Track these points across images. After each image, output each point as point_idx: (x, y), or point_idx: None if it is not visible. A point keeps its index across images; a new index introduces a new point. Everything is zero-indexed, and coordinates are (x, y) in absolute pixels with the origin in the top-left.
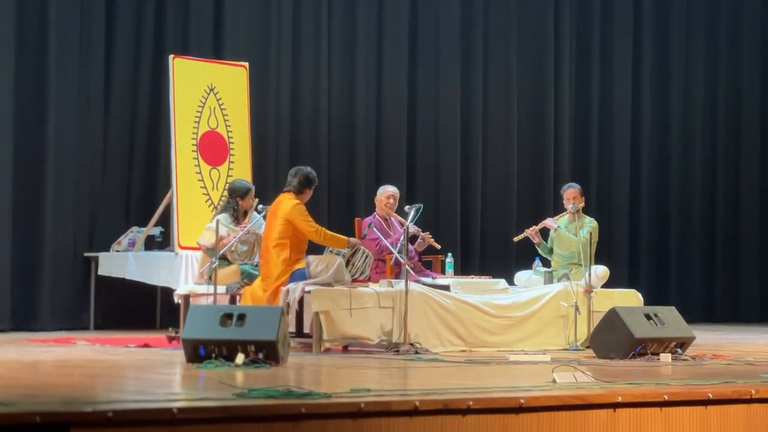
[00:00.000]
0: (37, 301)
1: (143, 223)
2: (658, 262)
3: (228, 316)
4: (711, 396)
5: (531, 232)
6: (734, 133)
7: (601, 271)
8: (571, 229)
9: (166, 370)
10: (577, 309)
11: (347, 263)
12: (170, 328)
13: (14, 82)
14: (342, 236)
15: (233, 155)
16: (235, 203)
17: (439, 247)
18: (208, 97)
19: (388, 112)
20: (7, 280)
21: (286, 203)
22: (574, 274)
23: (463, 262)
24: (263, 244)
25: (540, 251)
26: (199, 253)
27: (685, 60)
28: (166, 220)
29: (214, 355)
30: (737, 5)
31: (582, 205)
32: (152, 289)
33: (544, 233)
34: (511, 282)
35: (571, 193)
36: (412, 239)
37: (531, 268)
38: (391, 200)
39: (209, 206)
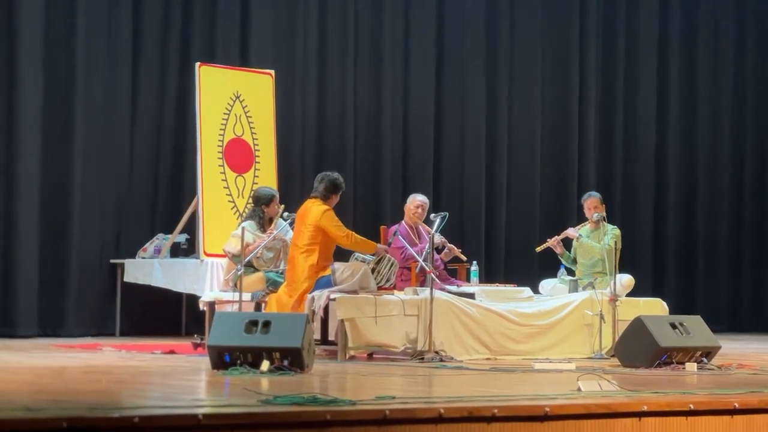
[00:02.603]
0: (63, 308)
1: (169, 230)
2: (684, 271)
3: (253, 323)
4: (737, 405)
5: (553, 243)
6: (762, 140)
7: (626, 280)
8: (593, 237)
9: (191, 377)
10: (602, 317)
11: (373, 271)
12: (195, 335)
13: (42, 90)
14: (371, 241)
15: (259, 162)
16: (260, 211)
17: (465, 258)
18: (234, 104)
19: (414, 120)
20: (34, 286)
21: (315, 209)
22: (599, 282)
23: (488, 270)
24: (291, 249)
25: (564, 262)
26: (224, 261)
27: (711, 67)
28: (191, 228)
29: (239, 361)
30: (765, 9)
31: (604, 213)
32: (178, 296)
33: (567, 243)
34: (535, 290)
35: (592, 202)
36: (438, 249)
37: (555, 277)
38: (420, 210)
39: (234, 213)
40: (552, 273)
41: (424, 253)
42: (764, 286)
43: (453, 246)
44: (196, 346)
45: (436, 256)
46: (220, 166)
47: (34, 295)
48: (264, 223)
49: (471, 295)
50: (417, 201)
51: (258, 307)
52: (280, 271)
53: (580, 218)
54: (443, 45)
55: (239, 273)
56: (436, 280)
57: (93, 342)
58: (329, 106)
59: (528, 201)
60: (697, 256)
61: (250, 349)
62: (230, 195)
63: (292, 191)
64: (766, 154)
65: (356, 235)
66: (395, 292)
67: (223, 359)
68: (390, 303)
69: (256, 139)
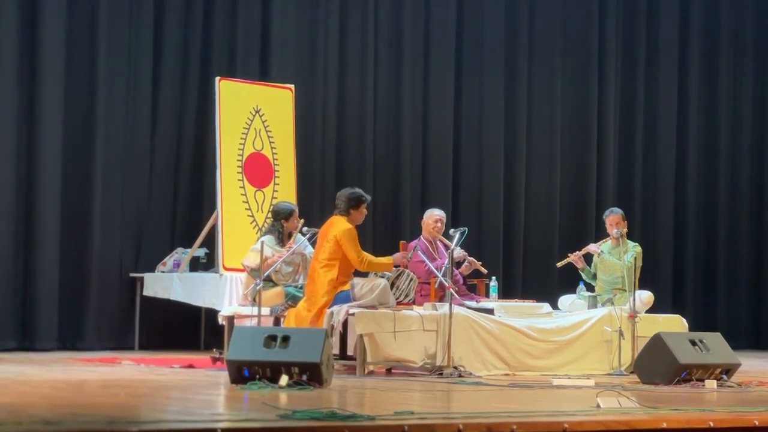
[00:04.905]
0: (83, 321)
1: (188, 245)
2: (704, 288)
3: (272, 338)
4: (757, 423)
5: (574, 258)
6: None
7: (645, 296)
8: (614, 254)
9: (210, 391)
10: (621, 334)
11: (392, 286)
12: (214, 349)
13: (63, 104)
14: (385, 259)
15: (278, 177)
16: (279, 225)
17: (485, 271)
18: (253, 119)
19: (433, 135)
20: (54, 299)
21: (339, 225)
22: (618, 299)
23: (506, 286)
24: (311, 264)
25: (584, 276)
26: (243, 275)
27: (732, 79)
28: (211, 242)
29: (258, 376)
30: None
31: (626, 230)
32: (197, 310)
33: (588, 259)
34: (554, 306)
35: (614, 218)
36: (458, 263)
37: (574, 293)
38: (439, 224)
39: (254, 228)
40: (571, 289)
41: (443, 268)
42: None
43: (473, 259)
44: (214, 360)
45: (456, 270)
46: (239, 180)
47: (54, 309)
48: (283, 238)
49: (490, 311)
50: (435, 215)
51: (277, 322)
52: (299, 286)
53: (599, 235)
54: (462, 62)
55: (258, 287)
56: (455, 295)
57: (112, 356)
58: (349, 121)
59: (546, 217)
60: (718, 273)
61: (269, 364)
62: (249, 209)
63: (311, 206)
64: None
65: (371, 258)
66: (414, 307)
67: (241, 374)
68: (409, 318)
69: (276, 153)
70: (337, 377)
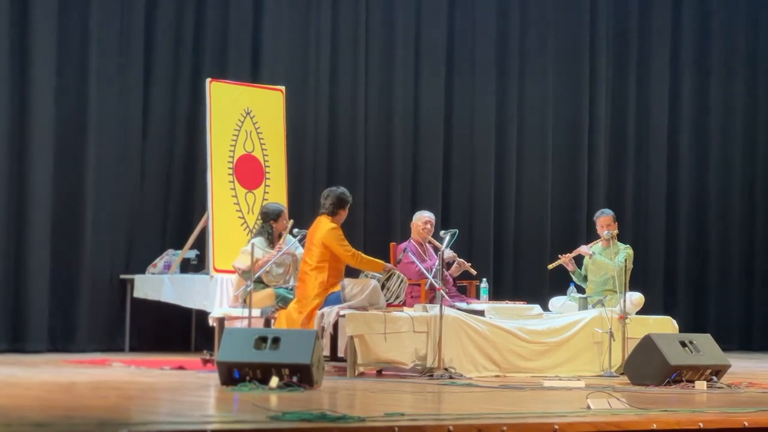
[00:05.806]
0: (73, 323)
1: (179, 246)
2: (695, 289)
3: (263, 339)
4: (746, 424)
5: (565, 260)
6: None
7: (636, 298)
8: (605, 255)
9: (200, 393)
10: (611, 335)
11: (382, 287)
12: (205, 351)
13: (54, 105)
14: (378, 260)
15: (269, 179)
16: (269, 227)
17: (475, 273)
18: (244, 120)
19: (424, 137)
20: (44, 301)
21: (323, 227)
22: (609, 300)
23: (496, 288)
24: (301, 266)
25: (574, 278)
26: (234, 277)
27: (723, 83)
28: (201, 243)
29: (248, 378)
30: None
31: (616, 231)
32: (187, 311)
33: (578, 261)
34: (545, 308)
35: (604, 220)
36: (448, 264)
37: (565, 294)
38: (428, 226)
39: (244, 230)
40: (561, 290)
41: (434, 269)
42: None
43: (463, 260)
44: (205, 362)
45: (446, 272)
46: (230, 182)
47: (45, 311)
48: (273, 239)
49: (481, 312)
50: (425, 217)
51: (267, 323)
52: (290, 287)
53: (590, 237)
54: (453, 64)
55: (249, 289)
56: (446, 297)
57: (102, 357)
58: (340, 122)
59: (537, 219)
60: (708, 275)
61: (260, 365)
62: (240, 211)
63: (302, 207)
64: None
65: (362, 254)
66: (405, 308)
67: (232, 375)
68: (399, 319)
69: (267, 155)
70: (328, 379)
